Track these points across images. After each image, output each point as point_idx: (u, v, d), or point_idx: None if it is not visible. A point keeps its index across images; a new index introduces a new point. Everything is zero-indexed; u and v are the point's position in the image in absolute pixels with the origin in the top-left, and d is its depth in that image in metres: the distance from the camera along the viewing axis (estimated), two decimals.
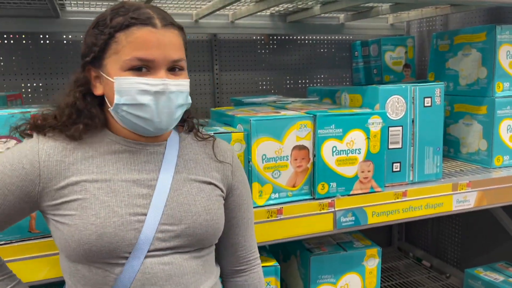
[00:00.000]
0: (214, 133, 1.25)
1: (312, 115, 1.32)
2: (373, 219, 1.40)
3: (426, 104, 1.47)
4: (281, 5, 1.95)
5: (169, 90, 0.89)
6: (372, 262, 1.54)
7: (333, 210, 1.35)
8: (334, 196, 1.36)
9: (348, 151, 1.35)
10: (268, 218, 1.29)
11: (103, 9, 1.83)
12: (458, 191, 1.49)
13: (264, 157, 1.28)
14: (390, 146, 1.44)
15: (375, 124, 1.36)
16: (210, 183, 0.98)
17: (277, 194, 1.32)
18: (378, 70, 2.30)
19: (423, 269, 2.54)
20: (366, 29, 2.48)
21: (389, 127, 1.42)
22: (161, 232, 0.89)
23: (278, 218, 1.30)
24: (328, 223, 1.36)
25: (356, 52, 2.41)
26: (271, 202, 1.32)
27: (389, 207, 1.41)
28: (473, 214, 2.33)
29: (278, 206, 1.31)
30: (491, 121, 1.61)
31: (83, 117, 0.92)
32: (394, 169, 1.46)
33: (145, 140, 0.95)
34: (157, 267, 0.89)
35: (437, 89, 1.48)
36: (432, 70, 1.97)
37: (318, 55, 2.45)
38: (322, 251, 1.55)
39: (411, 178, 1.50)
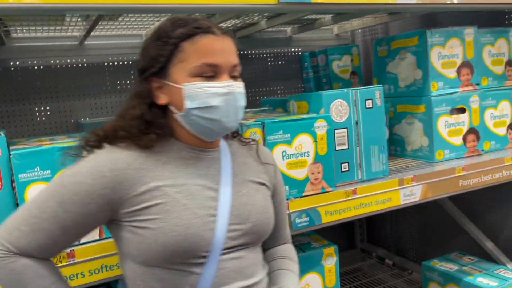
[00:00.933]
0: None
1: (261, 123, 1.38)
2: (327, 218, 1.46)
3: (367, 106, 1.56)
4: (229, 21, 2.02)
5: (235, 91, 0.97)
6: (330, 260, 1.60)
7: (287, 212, 1.41)
8: (288, 199, 1.41)
9: (298, 155, 1.41)
10: None
11: (50, 34, 1.88)
12: (405, 186, 1.58)
13: None
14: (337, 148, 1.52)
15: (320, 127, 1.44)
16: (262, 184, 1.08)
17: None
18: (327, 79, 2.39)
19: (386, 268, 2.63)
20: (313, 41, 2.59)
21: (334, 129, 1.50)
22: (231, 232, 0.97)
23: None
24: None
25: (305, 63, 2.50)
26: None
27: (341, 206, 1.48)
28: (427, 210, 2.45)
29: None
30: (429, 118, 1.73)
31: (154, 127, 0.98)
32: (343, 169, 1.54)
33: (205, 147, 1.02)
34: (230, 262, 0.97)
35: (377, 91, 1.57)
36: (375, 76, 2.08)
37: (270, 68, 2.53)
38: None
39: (359, 177, 1.58)
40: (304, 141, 1.42)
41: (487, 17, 1.95)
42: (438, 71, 1.73)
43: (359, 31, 2.71)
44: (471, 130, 1.79)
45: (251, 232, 1.00)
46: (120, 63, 2.12)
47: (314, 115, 1.48)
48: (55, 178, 0.95)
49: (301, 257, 1.59)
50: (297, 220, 1.42)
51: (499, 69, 1.87)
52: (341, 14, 2.10)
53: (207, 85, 0.94)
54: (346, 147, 1.54)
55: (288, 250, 1.20)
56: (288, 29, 2.50)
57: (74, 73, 2.01)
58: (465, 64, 1.77)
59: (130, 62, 2.15)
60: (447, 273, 1.99)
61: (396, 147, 1.94)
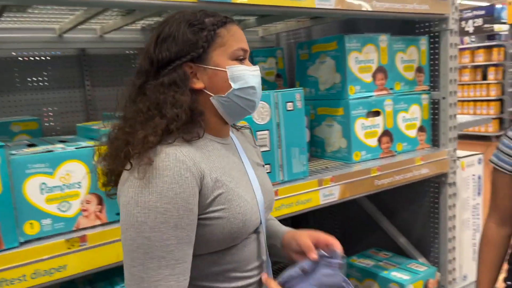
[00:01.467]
0: (76, 148, 1.22)
1: None
2: None
3: (288, 108, 1.58)
4: (150, 18, 1.95)
5: (259, 74, 1.07)
6: None
7: None
8: None
9: None
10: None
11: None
12: (324, 186, 1.63)
13: None
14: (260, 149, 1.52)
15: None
16: (262, 165, 1.22)
17: None
18: None
19: None
20: None
21: (256, 131, 1.50)
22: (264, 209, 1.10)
23: None
24: None
25: None
26: None
27: None
28: (348, 209, 2.55)
29: None
30: (347, 121, 1.79)
31: (197, 115, 1.00)
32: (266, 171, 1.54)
33: (224, 136, 1.09)
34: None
35: (297, 94, 1.60)
36: (298, 79, 2.13)
37: None
38: None
39: (281, 178, 1.59)
40: None
41: (400, 25, 2.06)
42: (355, 75, 1.80)
43: (284, 34, 2.75)
44: (385, 132, 1.89)
45: (269, 208, 1.16)
46: (31, 58, 1.98)
47: None
48: (135, 219, 0.89)
49: None
50: None
51: (410, 75, 1.99)
52: (265, 17, 2.12)
53: (245, 68, 1.02)
54: (268, 148, 1.55)
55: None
56: None
57: None
58: (380, 69, 1.86)
59: (42, 58, 2.01)
60: (364, 269, 2.09)
61: (316, 148, 1.99)
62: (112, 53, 2.21)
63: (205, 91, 1.02)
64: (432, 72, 2.06)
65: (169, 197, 0.89)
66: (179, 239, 0.90)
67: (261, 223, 1.07)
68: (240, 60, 1.02)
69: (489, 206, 1.46)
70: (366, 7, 1.65)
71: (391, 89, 1.90)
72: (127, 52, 2.25)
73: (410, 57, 1.97)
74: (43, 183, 1.16)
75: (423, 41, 2.01)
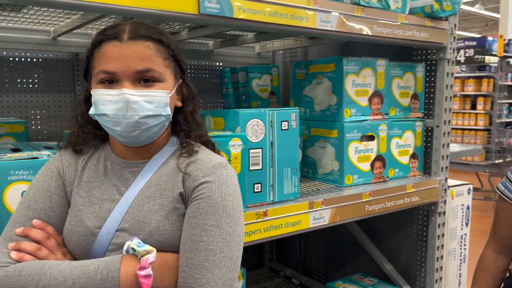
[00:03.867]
0: None
1: None
2: None
3: (283, 128, 1.55)
4: None
5: (129, 99, 0.94)
6: (238, 284, 1.55)
7: None
8: None
9: None
10: None
11: None
12: (314, 209, 1.59)
13: None
14: (251, 168, 1.49)
15: (235, 146, 1.40)
16: (174, 203, 1.12)
17: None
18: (247, 96, 2.38)
19: (292, 287, 2.65)
20: (234, 57, 2.58)
21: (249, 149, 1.47)
22: None
23: None
24: None
25: (226, 79, 2.48)
26: None
27: (251, 227, 1.44)
28: (335, 232, 2.52)
29: None
30: (341, 143, 1.77)
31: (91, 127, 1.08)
32: (256, 190, 1.51)
33: (131, 159, 1.05)
34: None
35: (293, 114, 1.58)
36: (292, 98, 2.11)
37: (190, 80, 2.46)
38: None
39: (271, 198, 1.56)
40: None
41: (397, 51, 2.07)
42: (351, 98, 1.78)
43: (280, 52, 2.75)
44: (378, 157, 1.87)
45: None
46: (23, 59, 1.94)
47: (229, 133, 1.44)
48: None
49: None
50: None
51: (405, 101, 1.98)
52: (263, 33, 2.11)
53: (102, 93, 0.96)
54: (260, 167, 1.52)
55: None
56: (211, 42, 2.46)
57: None
58: (376, 93, 1.85)
59: (34, 60, 1.97)
60: None
61: (308, 169, 1.96)
62: None
63: None
64: (427, 99, 2.06)
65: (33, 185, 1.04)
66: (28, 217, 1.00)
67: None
68: (108, 82, 0.96)
69: (490, 234, 1.44)
70: (367, 31, 1.64)
71: (386, 114, 1.89)
72: None
73: (406, 83, 1.97)
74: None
75: (420, 68, 2.01)
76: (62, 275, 0.90)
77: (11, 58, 1.92)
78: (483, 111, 8.66)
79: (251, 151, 1.48)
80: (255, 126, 1.49)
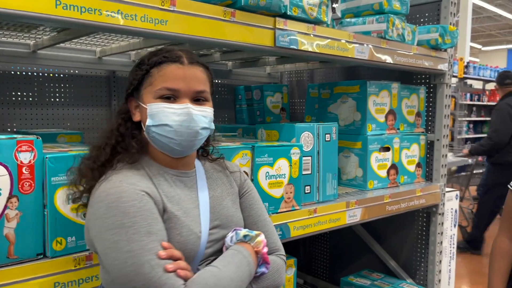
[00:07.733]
0: None
1: (251, 146, 1.56)
2: (294, 233, 1.68)
3: (327, 139, 1.84)
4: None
5: (191, 113, 1.07)
6: (290, 271, 1.80)
7: None
8: None
9: (277, 176, 1.62)
10: None
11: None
12: (350, 208, 1.88)
13: None
14: (304, 172, 1.76)
15: (295, 154, 1.67)
16: (237, 192, 1.29)
17: None
18: (261, 112, 2.65)
19: (298, 286, 2.90)
20: (249, 76, 2.85)
21: (303, 156, 1.74)
22: None
23: None
24: None
25: (240, 96, 2.72)
26: None
27: (305, 222, 1.71)
28: (339, 233, 2.81)
29: None
30: (365, 153, 2.08)
31: (129, 139, 1.11)
32: (306, 191, 1.78)
33: (180, 168, 1.16)
34: None
35: (333, 127, 1.87)
36: (308, 114, 2.40)
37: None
38: None
39: (317, 198, 1.83)
40: (282, 165, 1.63)
41: (397, 75, 2.42)
42: (373, 115, 2.10)
43: (287, 72, 3.05)
44: (393, 166, 2.20)
45: (218, 239, 1.20)
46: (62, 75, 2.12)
47: (290, 143, 1.71)
48: (103, 225, 1.00)
49: None
50: None
51: (411, 118, 2.33)
52: (286, 58, 2.39)
53: (165, 106, 1.07)
54: (310, 172, 1.79)
55: None
56: (230, 63, 2.71)
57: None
58: (391, 111, 2.18)
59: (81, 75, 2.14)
60: (364, 286, 2.33)
61: None
62: None
63: (142, 123, 1.13)
64: (427, 117, 2.42)
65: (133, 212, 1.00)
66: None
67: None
68: (166, 98, 1.07)
69: (500, 224, 1.77)
70: (389, 60, 1.97)
71: (398, 129, 2.23)
72: None
73: (412, 103, 2.32)
74: None
75: (422, 91, 2.37)
76: (230, 277, 1.05)
77: (61, 75, 2.08)
78: None
79: (303, 158, 1.75)
80: (307, 138, 1.77)
